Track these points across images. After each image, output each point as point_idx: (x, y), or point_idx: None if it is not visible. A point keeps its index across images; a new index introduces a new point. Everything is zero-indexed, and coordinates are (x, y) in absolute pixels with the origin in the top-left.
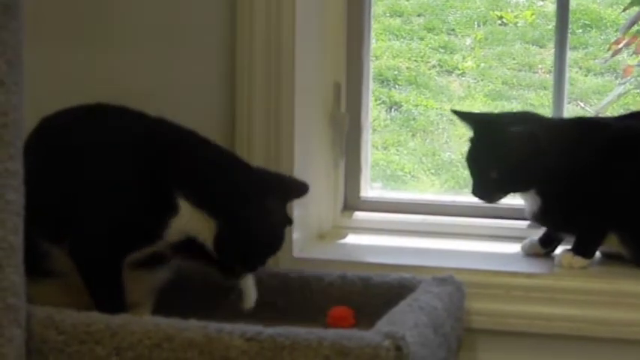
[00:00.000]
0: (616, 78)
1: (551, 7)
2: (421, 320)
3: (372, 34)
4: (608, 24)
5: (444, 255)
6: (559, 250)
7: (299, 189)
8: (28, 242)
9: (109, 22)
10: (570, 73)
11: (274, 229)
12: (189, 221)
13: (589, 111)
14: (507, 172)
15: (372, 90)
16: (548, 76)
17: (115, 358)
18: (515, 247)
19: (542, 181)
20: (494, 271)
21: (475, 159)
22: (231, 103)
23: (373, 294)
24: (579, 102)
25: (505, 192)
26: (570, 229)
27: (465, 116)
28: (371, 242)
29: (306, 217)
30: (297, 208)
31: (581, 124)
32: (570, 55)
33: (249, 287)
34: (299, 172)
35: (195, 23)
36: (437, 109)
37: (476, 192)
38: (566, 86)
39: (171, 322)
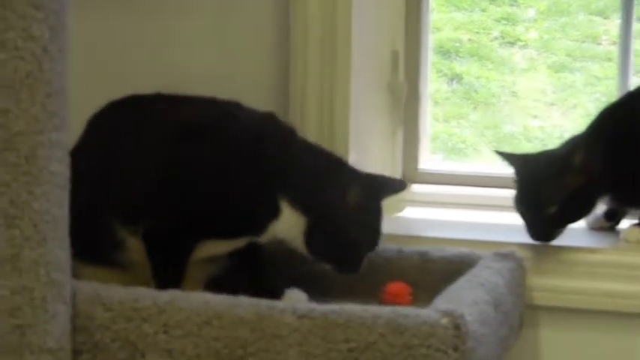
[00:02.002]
0: None
1: None
2: (481, 297)
3: (433, 3)
4: None
5: (506, 229)
6: (624, 223)
7: (395, 186)
8: (104, 230)
9: None
10: (635, 44)
11: (365, 228)
12: (285, 224)
13: None
14: (568, 201)
15: (431, 60)
16: (612, 47)
17: (162, 335)
18: (579, 221)
19: (607, 187)
20: (557, 246)
21: (528, 200)
22: (286, 70)
23: (431, 269)
24: None
25: (566, 223)
26: (636, 203)
27: (509, 157)
28: (429, 216)
29: None
30: None
31: (625, 101)
32: (636, 26)
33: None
34: (354, 142)
35: None
36: (499, 81)
37: (535, 234)
38: (632, 58)
39: (221, 298)
